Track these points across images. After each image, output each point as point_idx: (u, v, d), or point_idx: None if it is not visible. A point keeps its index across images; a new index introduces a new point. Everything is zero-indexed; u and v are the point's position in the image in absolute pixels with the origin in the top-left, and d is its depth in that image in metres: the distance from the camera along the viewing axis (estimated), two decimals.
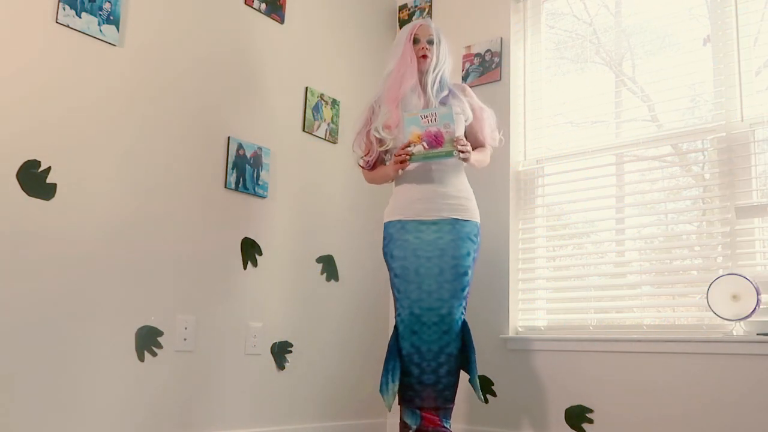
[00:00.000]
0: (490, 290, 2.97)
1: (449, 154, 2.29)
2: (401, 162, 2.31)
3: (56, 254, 2.11)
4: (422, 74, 2.48)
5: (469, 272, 2.36)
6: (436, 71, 2.49)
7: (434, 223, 2.36)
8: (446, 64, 2.54)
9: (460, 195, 2.41)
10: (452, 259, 2.33)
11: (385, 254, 2.43)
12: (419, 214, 2.37)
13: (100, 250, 2.23)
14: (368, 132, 2.50)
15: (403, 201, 2.42)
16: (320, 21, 3.16)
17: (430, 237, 2.35)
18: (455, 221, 2.37)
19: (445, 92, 2.49)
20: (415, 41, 2.49)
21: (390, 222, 2.43)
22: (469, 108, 2.49)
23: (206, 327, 2.52)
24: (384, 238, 2.44)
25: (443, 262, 2.33)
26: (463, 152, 2.30)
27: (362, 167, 2.57)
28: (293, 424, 2.78)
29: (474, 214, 2.43)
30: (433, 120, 2.27)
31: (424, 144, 2.27)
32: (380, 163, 2.55)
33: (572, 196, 2.95)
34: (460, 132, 2.40)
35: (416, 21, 2.58)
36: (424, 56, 2.47)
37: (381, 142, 2.47)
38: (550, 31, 3.20)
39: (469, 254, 2.36)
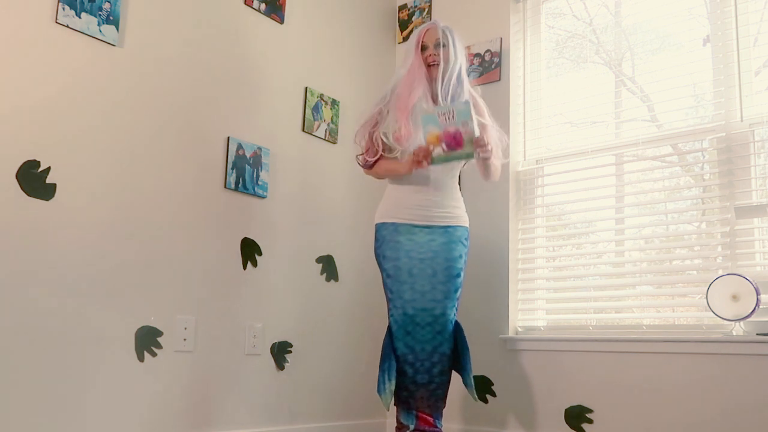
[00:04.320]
0: (489, 290, 2.97)
1: (470, 156, 2.20)
2: (418, 162, 2.20)
3: (56, 254, 2.11)
4: (433, 82, 2.39)
5: (462, 274, 2.39)
6: (448, 76, 2.39)
7: (427, 227, 2.37)
8: (458, 63, 2.42)
9: (452, 204, 2.42)
10: (445, 261, 2.35)
11: (377, 255, 2.42)
12: (412, 219, 2.37)
13: (100, 250, 2.23)
14: (372, 132, 2.42)
15: (397, 205, 2.40)
16: (320, 21, 3.15)
17: (423, 239, 2.36)
18: (447, 227, 2.39)
19: (466, 95, 2.40)
20: (424, 48, 2.41)
21: (383, 224, 2.41)
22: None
23: (206, 327, 2.52)
24: (376, 240, 2.43)
25: (436, 264, 2.34)
26: (484, 152, 2.23)
27: (360, 165, 2.49)
28: (293, 424, 2.78)
29: (464, 220, 2.45)
30: (451, 117, 2.12)
31: (443, 146, 2.15)
32: (384, 158, 2.43)
33: (572, 196, 2.95)
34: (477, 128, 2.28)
35: (424, 25, 2.48)
36: (434, 64, 2.39)
37: (386, 146, 2.38)
38: (549, 31, 3.20)
39: (461, 257, 2.39)
